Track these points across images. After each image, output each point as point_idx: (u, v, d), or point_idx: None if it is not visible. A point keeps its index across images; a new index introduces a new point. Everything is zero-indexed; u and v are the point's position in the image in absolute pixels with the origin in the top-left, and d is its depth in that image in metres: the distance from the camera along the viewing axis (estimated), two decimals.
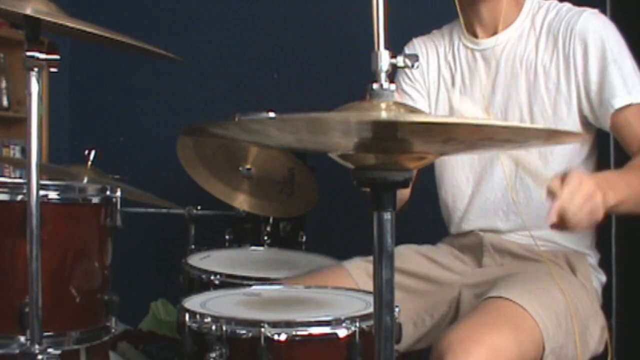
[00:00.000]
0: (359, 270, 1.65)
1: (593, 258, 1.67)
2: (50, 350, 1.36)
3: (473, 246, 1.71)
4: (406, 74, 1.78)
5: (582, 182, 1.24)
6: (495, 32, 1.67)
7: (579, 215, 1.23)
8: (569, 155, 1.61)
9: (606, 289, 1.71)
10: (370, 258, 1.68)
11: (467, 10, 1.69)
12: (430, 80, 1.77)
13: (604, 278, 1.68)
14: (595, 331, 1.53)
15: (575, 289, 1.52)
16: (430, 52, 1.78)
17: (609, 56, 1.54)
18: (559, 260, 1.60)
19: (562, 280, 1.50)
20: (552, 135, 0.94)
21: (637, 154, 1.52)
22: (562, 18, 1.61)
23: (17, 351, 1.43)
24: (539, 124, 1.57)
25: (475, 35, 1.70)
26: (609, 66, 1.54)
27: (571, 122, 1.59)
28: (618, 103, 1.53)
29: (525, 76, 1.63)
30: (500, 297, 1.40)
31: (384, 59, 0.89)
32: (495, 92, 1.66)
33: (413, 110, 0.90)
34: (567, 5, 1.65)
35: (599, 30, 1.57)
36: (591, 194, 1.24)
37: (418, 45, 1.79)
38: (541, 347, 1.37)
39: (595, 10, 1.61)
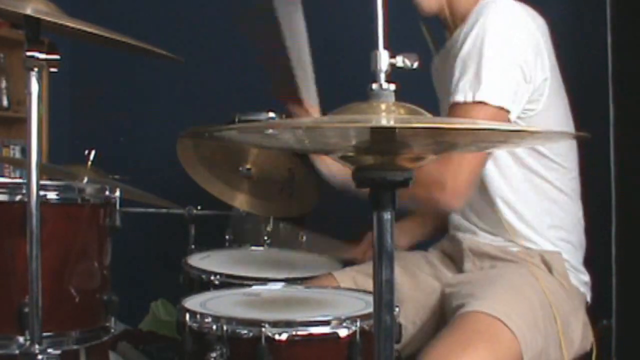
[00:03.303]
0: (347, 279, 1.67)
1: (573, 257, 1.64)
2: (50, 350, 1.36)
3: (455, 252, 1.73)
4: None
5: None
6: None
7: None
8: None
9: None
10: (359, 267, 1.72)
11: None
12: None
13: (586, 277, 1.66)
14: (577, 327, 1.54)
15: (553, 287, 1.53)
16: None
17: (475, 50, 1.48)
18: (534, 259, 1.60)
19: (540, 278, 1.52)
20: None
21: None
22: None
23: (16, 351, 1.44)
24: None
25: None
26: (469, 60, 1.49)
27: None
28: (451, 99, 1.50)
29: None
30: (475, 312, 1.41)
31: (383, 59, 0.90)
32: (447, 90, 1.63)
33: (412, 111, 0.90)
34: None
35: (486, 21, 1.49)
36: None
37: None
38: (520, 356, 1.38)
39: (508, 2, 1.53)
